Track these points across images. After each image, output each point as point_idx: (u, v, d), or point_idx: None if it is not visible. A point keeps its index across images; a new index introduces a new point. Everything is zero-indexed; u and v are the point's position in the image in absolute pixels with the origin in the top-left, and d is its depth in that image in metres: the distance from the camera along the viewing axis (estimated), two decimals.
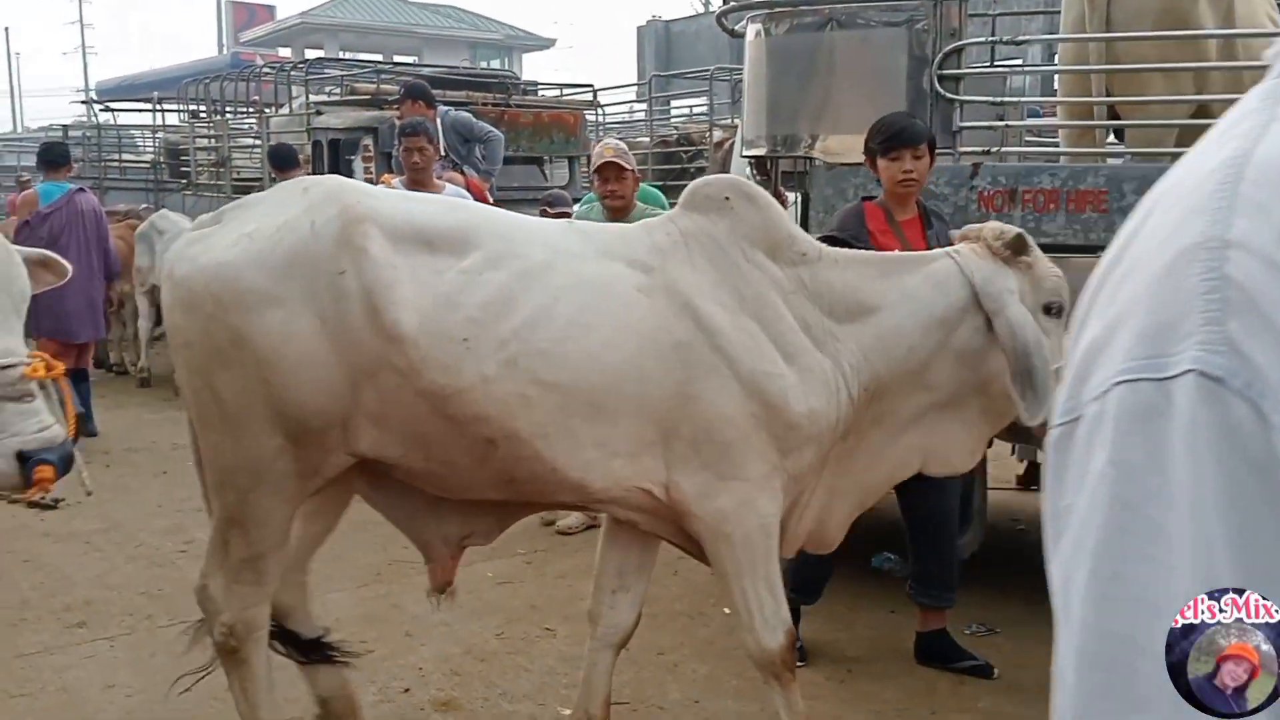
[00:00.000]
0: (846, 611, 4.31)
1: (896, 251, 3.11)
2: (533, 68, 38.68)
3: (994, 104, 4.91)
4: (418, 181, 6.09)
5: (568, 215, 5.77)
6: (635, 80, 12.53)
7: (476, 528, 2.99)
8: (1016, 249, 2.89)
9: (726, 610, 4.51)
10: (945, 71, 4.45)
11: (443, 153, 7.54)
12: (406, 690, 3.82)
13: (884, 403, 2.91)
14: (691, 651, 4.11)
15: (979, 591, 4.33)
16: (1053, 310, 2.89)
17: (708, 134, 9.99)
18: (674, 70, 16.02)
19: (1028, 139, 6.18)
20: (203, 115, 12.35)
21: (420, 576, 4.91)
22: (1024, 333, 2.79)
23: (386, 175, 6.67)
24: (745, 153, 5.11)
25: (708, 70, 10.70)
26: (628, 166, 5.16)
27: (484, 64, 28.72)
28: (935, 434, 2.97)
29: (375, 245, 2.62)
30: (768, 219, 2.88)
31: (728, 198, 2.86)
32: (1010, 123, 5.23)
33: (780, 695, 2.98)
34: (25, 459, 2.05)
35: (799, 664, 3.94)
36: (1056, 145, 5.58)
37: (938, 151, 4.67)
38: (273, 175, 8.39)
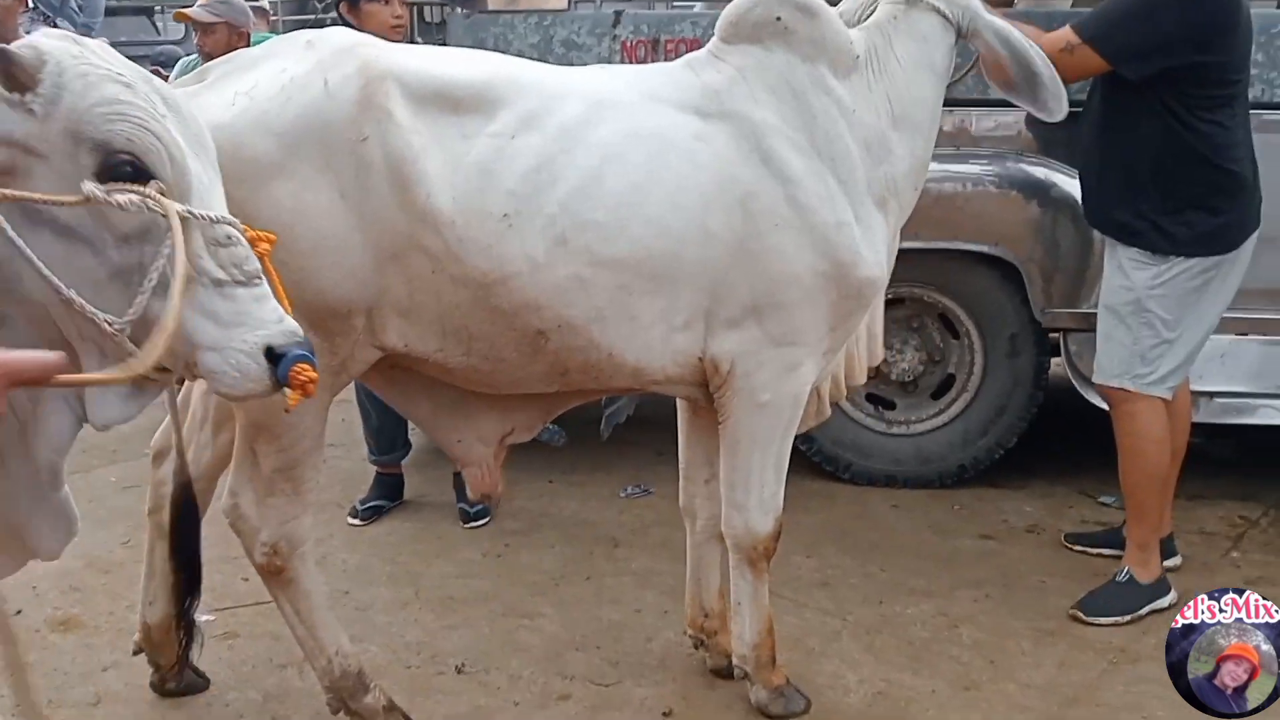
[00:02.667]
0: (504, 484, 4.26)
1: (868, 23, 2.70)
2: None
3: None
4: None
5: None
6: None
7: (517, 422, 2.66)
8: None
9: None
10: None
11: (30, 4, 6.63)
12: (19, 612, 3.40)
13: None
14: (341, 542, 3.93)
15: (634, 454, 4.44)
16: None
17: None
18: None
19: None
20: None
21: None
22: (1014, 36, 2.62)
23: None
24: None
25: None
26: (212, 19, 4.61)
27: None
28: None
29: (399, 108, 2.26)
30: (827, 29, 2.53)
31: (779, 18, 2.50)
32: None
33: (749, 584, 2.73)
34: (276, 357, 1.54)
35: (388, 503, 4.12)
36: None
37: None
38: None
